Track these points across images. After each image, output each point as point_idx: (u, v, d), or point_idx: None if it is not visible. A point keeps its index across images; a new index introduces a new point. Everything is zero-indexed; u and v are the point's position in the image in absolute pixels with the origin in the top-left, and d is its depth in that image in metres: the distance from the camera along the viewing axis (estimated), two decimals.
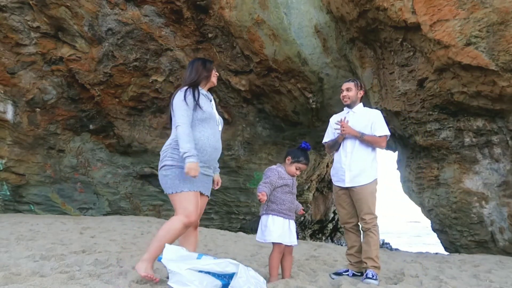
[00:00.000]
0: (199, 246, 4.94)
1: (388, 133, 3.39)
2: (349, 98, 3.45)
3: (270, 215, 3.01)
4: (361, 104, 3.55)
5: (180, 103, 2.62)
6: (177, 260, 2.33)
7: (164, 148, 2.68)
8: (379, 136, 3.37)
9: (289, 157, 3.10)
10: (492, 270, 4.05)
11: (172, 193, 2.57)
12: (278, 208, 3.01)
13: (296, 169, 3.10)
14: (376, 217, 3.28)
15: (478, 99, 5.12)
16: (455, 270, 4.06)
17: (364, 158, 3.35)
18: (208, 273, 2.28)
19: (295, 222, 3.18)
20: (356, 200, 3.32)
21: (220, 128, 2.88)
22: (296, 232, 3.13)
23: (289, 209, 3.04)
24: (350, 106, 3.49)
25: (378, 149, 3.44)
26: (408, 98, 5.83)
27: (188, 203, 2.54)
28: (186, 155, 2.48)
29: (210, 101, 2.85)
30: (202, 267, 2.27)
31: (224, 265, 2.28)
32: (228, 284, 2.27)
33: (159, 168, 2.67)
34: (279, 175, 3.06)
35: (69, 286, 2.27)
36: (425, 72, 5.42)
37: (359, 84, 3.53)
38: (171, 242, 2.52)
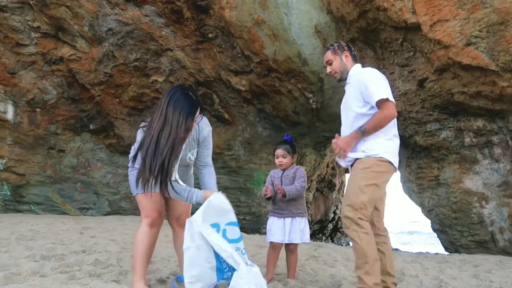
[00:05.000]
0: None
1: (385, 95, 2.44)
2: (336, 72, 2.74)
3: (269, 217, 3.15)
4: (355, 67, 2.73)
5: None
6: (213, 216, 2.26)
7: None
8: (377, 104, 2.43)
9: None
10: (492, 270, 4.05)
11: (133, 195, 2.56)
12: (272, 209, 3.12)
13: (276, 158, 3.17)
14: (356, 210, 2.36)
15: (478, 99, 5.12)
16: (455, 270, 4.05)
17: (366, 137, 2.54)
18: (217, 256, 2.23)
19: (303, 220, 3.08)
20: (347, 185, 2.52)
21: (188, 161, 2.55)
22: (302, 230, 3.06)
23: (281, 208, 3.06)
24: (342, 79, 2.77)
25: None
26: (408, 98, 5.84)
27: (144, 203, 2.49)
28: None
29: None
30: (218, 245, 2.19)
31: (227, 255, 2.20)
32: (223, 279, 2.25)
33: None
34: (270, 175, 3.23)
35: (69, 286, 2.27)
36: (425, 72, 5.42)
37: (336, 48, 2.75)
38: (148, 249, 2.46)
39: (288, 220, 3.04)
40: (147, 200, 2.47)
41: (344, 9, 5.83)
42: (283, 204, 3.06)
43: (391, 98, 2.47)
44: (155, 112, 2.30)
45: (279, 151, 3.14)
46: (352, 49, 2.80)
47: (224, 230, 2.28)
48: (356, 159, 2.55)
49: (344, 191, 2.54)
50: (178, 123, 2.23)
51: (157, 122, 2.24)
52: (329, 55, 2.77)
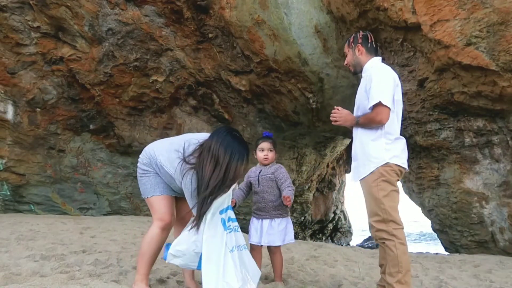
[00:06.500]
0: None
1: (378, 99, 2.39)
2: (349, 65, 2.76)
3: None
4: (372, 61, 2.67)
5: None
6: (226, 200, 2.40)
7: (145, 149, 2.56)
8: (370, 108, 2.45)
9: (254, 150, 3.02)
10: (492, 270, 4.05)
11: (145, 198, 2.55)
12: (253, 209, 3.03)
13: (260, 151, 2.95)
14: (388, 222, 2.36)
15: (479, 99, 5.12)
16: (455, 270, 4.05)
17: (365, 140, 2.53)
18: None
19: (284, 221, 2.97)
20: (365, 199, 2.53)
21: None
22: (282, 231, 2.94)
23: (258, 209, 2.95)
24: (356, 72, 2.74)
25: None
26: (409, 98, 5.83)
27: (158, 206, 2.48)
28: None
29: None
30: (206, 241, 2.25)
31: (208, 253, 2.24)
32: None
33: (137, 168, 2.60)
34: (248, 174, 3.08)
35: (69, 286, 2.27)
36: (425, 72, 5.42)
37: (351, 40, 2.72)
38: (156, 251, 2.44)
39: (266, 222, 2.91)
40: (162, 204, 2.48)
41: (344, 9, 5.83)
42: (261, 205, 2.95)
43: (386, 102, 2.40)
44: (202, 152, 2.33)
45: (266, 144, 2.92)
46: (370, 40, 2.70)
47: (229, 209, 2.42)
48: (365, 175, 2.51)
49: (366, 206, 2.52)
50: (229, 165, 2.27)
51: (208, 164, 2.27)
52: (345, 47, 2.80)
